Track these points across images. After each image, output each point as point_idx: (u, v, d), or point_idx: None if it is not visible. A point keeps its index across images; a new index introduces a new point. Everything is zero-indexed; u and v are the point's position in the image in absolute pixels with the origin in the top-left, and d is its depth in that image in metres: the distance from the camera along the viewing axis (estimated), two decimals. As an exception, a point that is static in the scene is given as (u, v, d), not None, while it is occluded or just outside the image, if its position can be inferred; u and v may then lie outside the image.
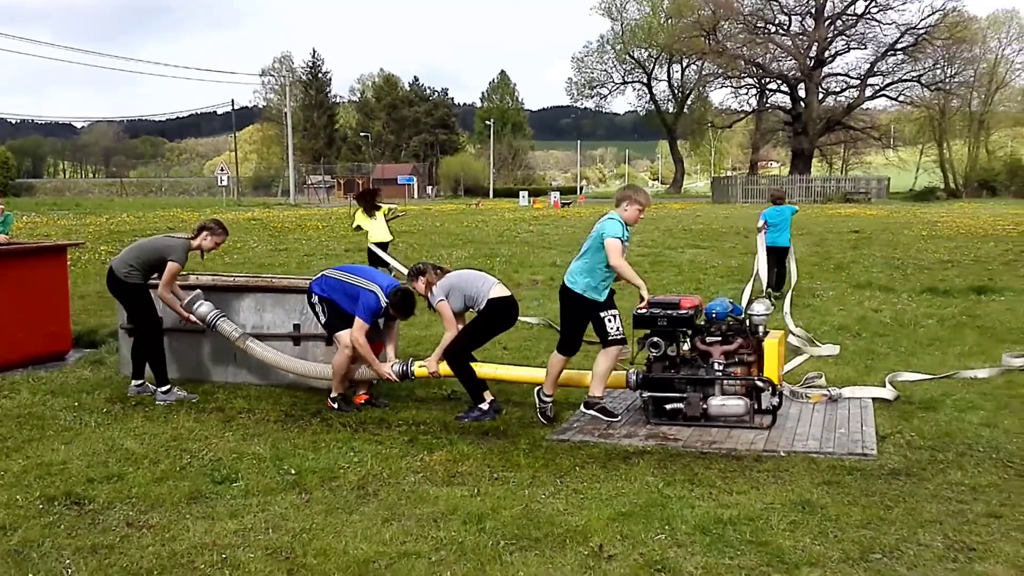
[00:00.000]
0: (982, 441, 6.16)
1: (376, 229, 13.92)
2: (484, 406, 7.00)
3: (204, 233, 7.75)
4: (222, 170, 68.66)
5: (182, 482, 5.45)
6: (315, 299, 7.31)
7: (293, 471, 5.65)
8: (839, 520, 4.76)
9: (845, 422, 6.66)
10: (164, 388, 7.54)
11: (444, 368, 7.17)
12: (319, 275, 7.51)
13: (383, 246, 13.75)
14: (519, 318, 7.62)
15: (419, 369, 7.25)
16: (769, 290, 12.14)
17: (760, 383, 6.57)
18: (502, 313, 7.22)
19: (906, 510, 4.90)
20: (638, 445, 6.23)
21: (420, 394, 7.73)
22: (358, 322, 7.06)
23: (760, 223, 13.61)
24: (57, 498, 5.16)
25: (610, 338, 6.74)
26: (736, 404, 6.52)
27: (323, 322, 7.32)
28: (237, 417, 7.03)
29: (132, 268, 7.53)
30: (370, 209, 14.04)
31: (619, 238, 6.57)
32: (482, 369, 7.20)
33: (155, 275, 7.58)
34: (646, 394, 6.75)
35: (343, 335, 7.14)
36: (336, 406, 7.23)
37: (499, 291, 7.21)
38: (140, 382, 7.71)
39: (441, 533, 4.63)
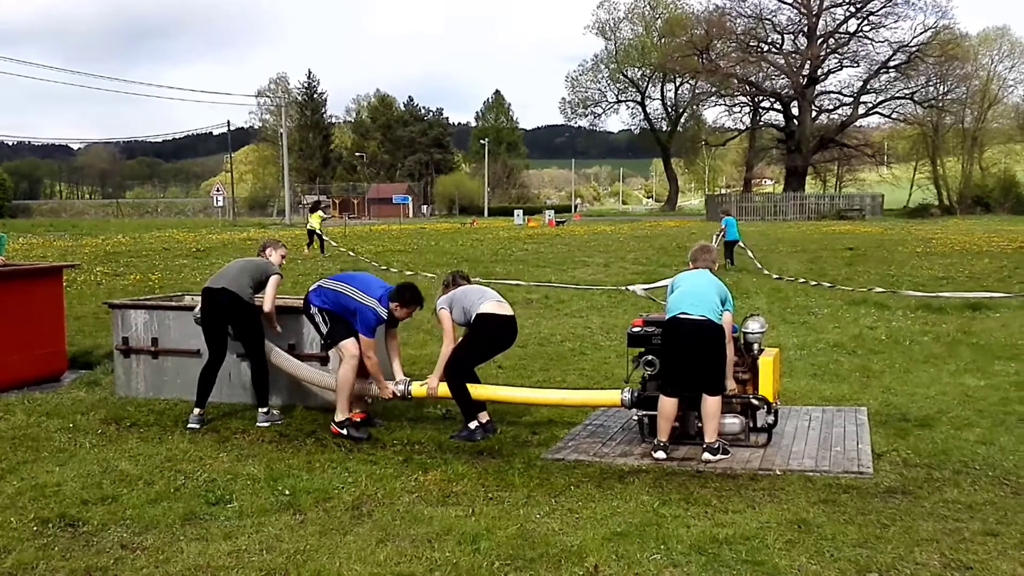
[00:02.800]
0: (978, 459, 6.16)
1: (314, 221, 30.50)
2: (473, 424, 6.96)
3: (268, 250, 7.98)
4: (218, 191, 68.78)
5: (176, 503, 5.43)
6: (314, 310, 7.22)
7: (287, 492, 5.63)
8: (835, 539, 4.75)
9: (841, 440, 6.66)
10: (265, 409, 7.48)
11: (443, 388, 7.10)
12: (315, 286, 7.43)
13: (316, 231, 29.92)
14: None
15: (417, 389, 7.20)
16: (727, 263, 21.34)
17: (755, 401, 6.56)
18: (492, 329, 7.08)
19: (902, 528, 4.90)
20: (633, 464, 6.22)
21: (414, 414, 7.71)
22: (364, 340, 6.98)
23: (723, 227, 22.76)
24: (51, 520, 5.14)
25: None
26: (731, 422, 6.51)
27: (324, 332, 7.20)
28: (232, 437, 7.02)
29: (252, 291, 7.55)
30: (314, 211, 32.38)
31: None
32: (476, 390, 7.13)
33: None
34: (641, 413, 6.74)
35: (347, 344, 7.03)
36: (345, 432, 6.94)
37: (491, 307, 7.11)
38: (267, 409, 7.55)
39: (436, 554, 4.62)
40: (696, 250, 7.06)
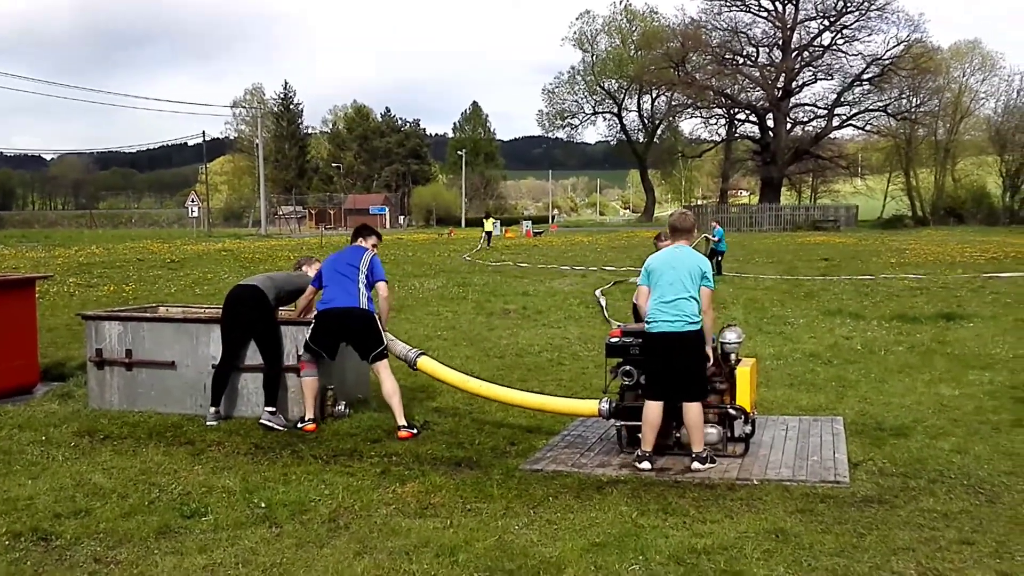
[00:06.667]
0: (953, 468, 6.20)
1: (488, 226, 45.26)
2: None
3: (304, 267, 8.37)
4: (192, 201, 68.39)
5: (151, 516, 5.37)
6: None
7: (263, 504, 5.58)
8: (812, 548, 4.76)
9: (818, 450, 6.68)
10: (272, 409, 7.65)
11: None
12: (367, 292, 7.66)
13: (491, 233, 44.72)
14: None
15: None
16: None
17: (732, 411, 6.57)
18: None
19: (879, 538, 4.92)
20: (611, 475, 6.21)
21: (391, 424, 7.65)
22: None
23: (714, 238, 23.53)
24: (23, 534, 5.06)
25: None
26: (709, 432, 6.51)
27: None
28: (207, 450, 6.94)
29: (276, 297, 7.89)
30: (487, 218, 47.56)
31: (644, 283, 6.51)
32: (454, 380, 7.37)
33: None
34: (619, 423, 6.74)
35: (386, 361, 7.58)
36: (416, 431, 7.34)
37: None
38: (274, 410, 7.71)
39: (414, 566, 4.58)
40: (676, 218, 6.74)
